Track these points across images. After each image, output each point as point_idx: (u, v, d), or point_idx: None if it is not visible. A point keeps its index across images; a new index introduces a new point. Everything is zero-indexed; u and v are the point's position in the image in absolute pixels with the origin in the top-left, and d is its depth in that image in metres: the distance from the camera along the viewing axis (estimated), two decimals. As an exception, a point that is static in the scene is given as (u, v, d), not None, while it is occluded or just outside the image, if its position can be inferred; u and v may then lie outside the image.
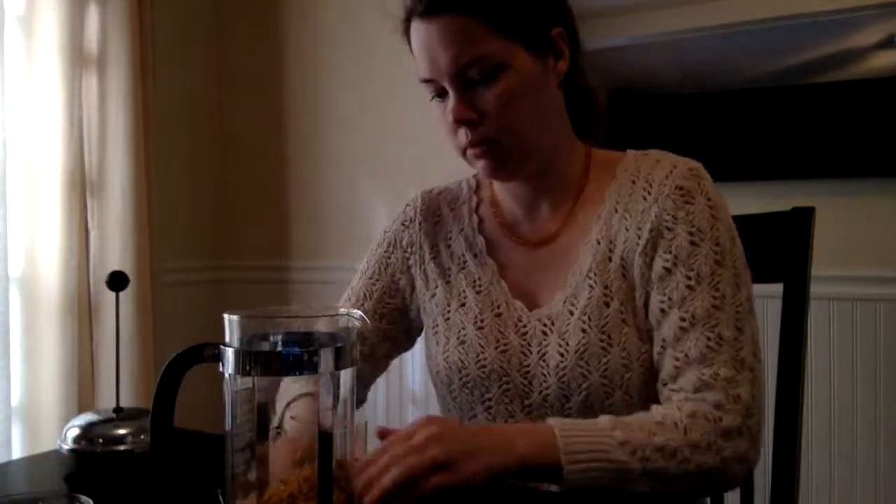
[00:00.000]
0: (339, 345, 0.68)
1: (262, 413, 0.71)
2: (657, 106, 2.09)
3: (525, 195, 1.10)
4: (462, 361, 1.06)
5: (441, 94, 1.01)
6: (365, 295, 1.17)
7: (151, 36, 2.43)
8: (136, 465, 0.95)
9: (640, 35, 2.08)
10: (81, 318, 2.26)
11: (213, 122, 2.89)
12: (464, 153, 1.03)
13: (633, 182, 1.04)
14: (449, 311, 1.11)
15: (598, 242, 1.03)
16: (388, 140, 2.57)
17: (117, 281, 1.03)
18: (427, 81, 1.02)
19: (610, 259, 1.02)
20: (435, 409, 2.61)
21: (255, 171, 2.86)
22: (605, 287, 1.01)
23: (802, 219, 1.18)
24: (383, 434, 0.86)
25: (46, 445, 1.78)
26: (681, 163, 1.04)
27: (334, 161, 2.69)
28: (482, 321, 1.07)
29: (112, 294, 1.05)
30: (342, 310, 0.71)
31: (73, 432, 0.97)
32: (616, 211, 1.04)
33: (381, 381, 2.51)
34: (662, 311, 0.97)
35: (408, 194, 1.23)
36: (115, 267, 2.21)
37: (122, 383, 1.11)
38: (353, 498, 0.72)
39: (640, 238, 1.01)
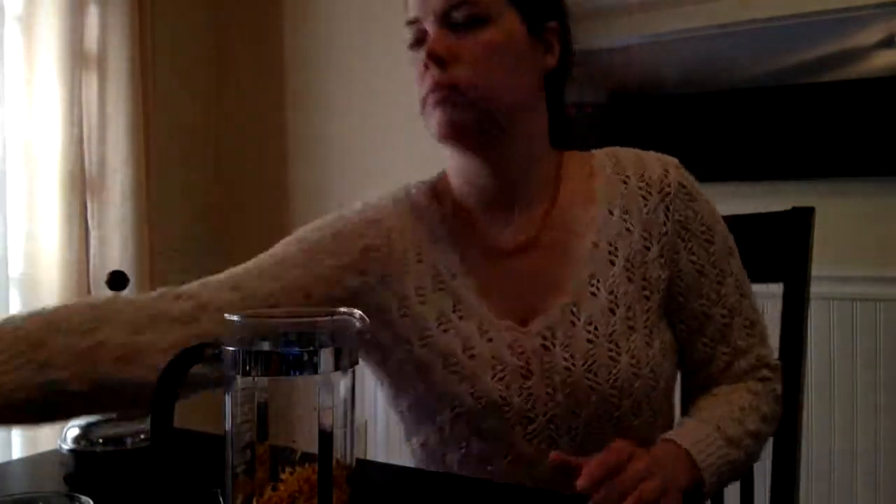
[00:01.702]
0: (339, 345, 0.68)
1: (262, 413, 0.72)
2: (657, 106, 2.09)
3: (485, 189, 1.02)
4: (454, 392, 0.97)
5: (421, 41, 0.97)
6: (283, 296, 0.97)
7: (151, 36, 2.43)
8: (136, 465, 0.95)
9: (640, 35, 2.08)
10: (81, 318, 2.25)
11: (213, 122, 2.90)
12: (423, 105, 0.98)
13: (625, 182, 1.02)
14: (430, 336, 0.99)
15: (596, 246, 0.99)
16: (389, 141, 2.57)
17: (117, 281, 1.03)
18: (411, 23, 0.98)
19: (612, 263, 0.98)
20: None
21: (255, 170, 2.86)
22: (611, 293, 0.97)
23: (802, 219, 1.18)
24: (558, 460, 0.82)
25: (46, 445, 1.78)
26: (665, 159, 1.04)
27: (334, 161, 2.69)
28: (472, 348, 0.98)
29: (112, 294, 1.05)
30: (342, 309, 0.71)
31: (73, 432, 0.97)
32: (612, 213, 1.00)
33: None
34: (704, 313, 1.01)
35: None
36: (115, 267, 2.20)
37: (122, 383, 1.10)
38: (352, 498, 0.72)
39: (649, 241, 0.99)
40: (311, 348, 0.67)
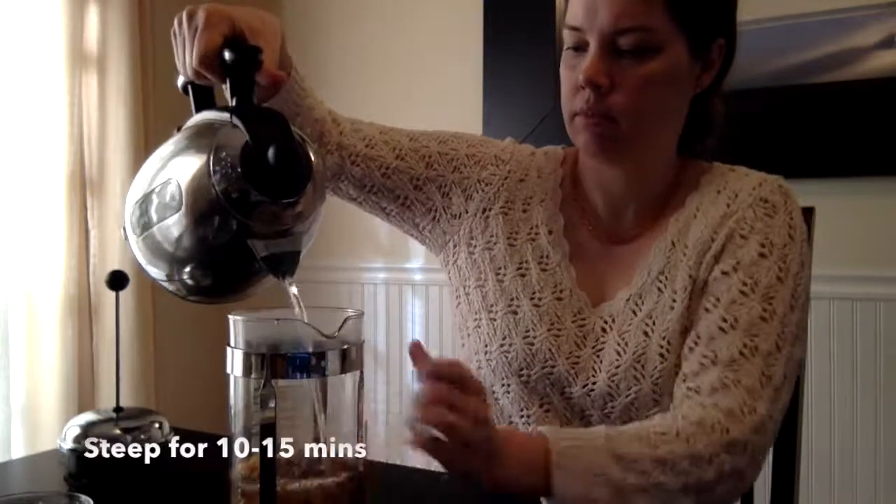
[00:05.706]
0: (345, 346, 0.68)
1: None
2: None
3: (613, 193, 1.04)
4: (508, 329, 1.02)
5: (579, 48, 0.94)
6: (407, 153, 1.10)
7: (151, 36, 2.43)
8: (136, 465, 0.95)
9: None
10: (81, 318, 2.25)
11: (212, 122, 2.89)
12: (571, 119, 0.96)
13: (718, 192, 1.01)
14: (504, 274, 1.05)
15: (673, 245, 0.99)
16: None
17: (117, 280, 1.03)
18: (573, 29, 0.94)
19: (682, 262, 0.98)
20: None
21: (254, 170, 2.86)
22: (674, 291, 0.96)
23: (803, 219, 1.18)
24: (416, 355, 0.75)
25: (46, 445, 1.78)
26: (771, 178, 1.01)
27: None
28: (540, 300, 1.02)
29: (112, 294, 1.05)
30: (348, 310, 0.71)
31: (73, 432, 0.97)
32: (695, 216, 1.00)
33: (380, 380, 2.52)
34: (706, 309, 0.93)
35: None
36: (115, 267, 2.20)
37: (122, 383, 1.10)
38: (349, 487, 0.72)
39: (713, 242, 0.97)
40: (317, 350, 0.67)
